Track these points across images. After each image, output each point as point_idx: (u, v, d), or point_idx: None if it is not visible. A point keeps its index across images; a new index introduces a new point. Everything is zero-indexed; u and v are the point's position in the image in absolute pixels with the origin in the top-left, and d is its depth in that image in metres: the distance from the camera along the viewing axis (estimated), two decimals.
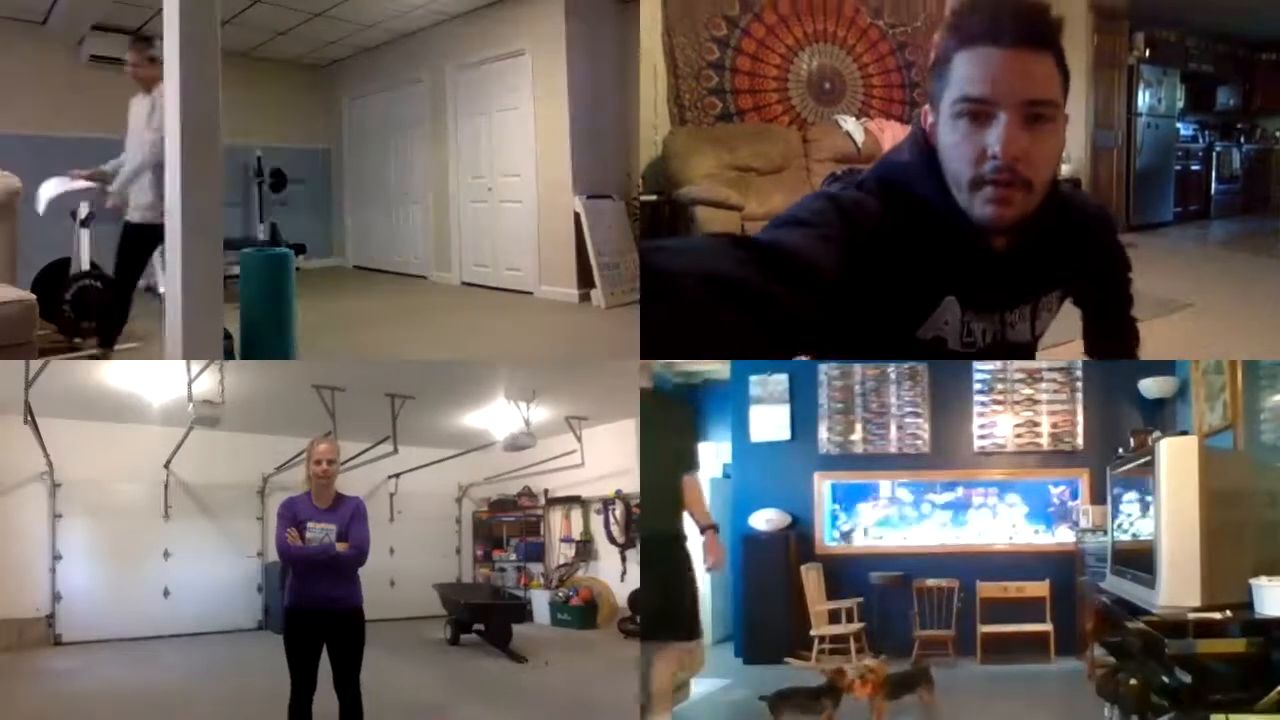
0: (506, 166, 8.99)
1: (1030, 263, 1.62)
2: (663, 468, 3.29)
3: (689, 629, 3.28)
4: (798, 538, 5.74)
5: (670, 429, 3.35)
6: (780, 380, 5.95)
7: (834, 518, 5.92)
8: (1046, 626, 5.23)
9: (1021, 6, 1.44)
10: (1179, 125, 10.57)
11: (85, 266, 6.06)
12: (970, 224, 1.49)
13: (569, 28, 8.01)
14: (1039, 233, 1.58)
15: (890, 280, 1.48)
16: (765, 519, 5.78)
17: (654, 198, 6.63)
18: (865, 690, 3.55)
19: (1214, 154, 11.25)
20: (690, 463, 3.38)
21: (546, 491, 8.02)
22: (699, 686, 4.28)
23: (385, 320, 7.95)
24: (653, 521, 3.25)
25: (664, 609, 3.21)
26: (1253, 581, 2.22)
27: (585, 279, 8.05)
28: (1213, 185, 11.20)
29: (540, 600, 7.46)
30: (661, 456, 3.29)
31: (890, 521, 5.89)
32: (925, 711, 3.87)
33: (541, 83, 8.32)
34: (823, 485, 5.89)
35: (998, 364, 5.72)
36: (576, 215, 8.01)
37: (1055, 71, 1.45)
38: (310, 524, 3.10)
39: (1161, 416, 5.33)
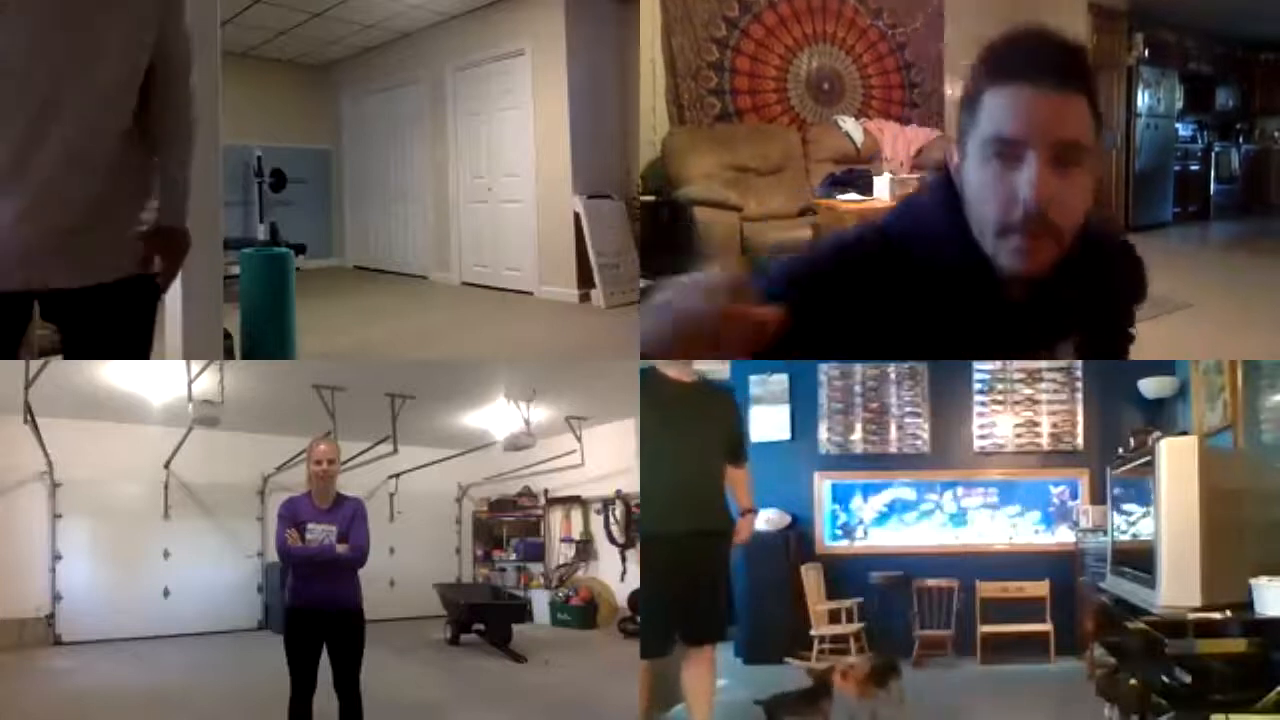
0: (506, 166, 8.99)
1: (1048, 313, 1.54)
2: (707, 461, 3.16)
3: (723, 630, 3.26)
4: (798, 538, 5.73)
5: (716, 421, 3.22)
6: (780, 380, 5.95)
7: (834, 518, 5.92)
8: (1046, 626, 5.23)
9: (1058, 45, 1.37)
10: (1178, 126, 10.58)
11: None
12: (991, 272, 1.42)
13: (569, 28, 8.02)
14: (1060, 282, 1.48)
15: (898, 328, 1.43)
16: (765, 519, 5.77)
17: (652, 198, 6.63)
18: (846, 684, 3.55)
19: (1213, 154, 11.25)
20: (738, 455, 3.26)
21: (546, 491, 8.01)
22: None
23: (385, 320, 7.95)
24: (695, 518, 3.09)
25: (708, 610, 3.11)
26: (1253, 581, 2.22)
27: (585, 279, 8.06)
28: (1212, 185, 11.22)
29: (540, 600, 7.46)
30: (706, 450, 3.16)
31: (890, 521, 5.89)
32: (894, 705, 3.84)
33: (541, 82, 8.32)
34: (823, 485, 5.89)
35: (997, 364, 5.72)
36: (576, 215, 8.01)
37: (1088, 114, 1.38)
38: (310, 524, 3.10)
39: (1161, 416, 5.33)
